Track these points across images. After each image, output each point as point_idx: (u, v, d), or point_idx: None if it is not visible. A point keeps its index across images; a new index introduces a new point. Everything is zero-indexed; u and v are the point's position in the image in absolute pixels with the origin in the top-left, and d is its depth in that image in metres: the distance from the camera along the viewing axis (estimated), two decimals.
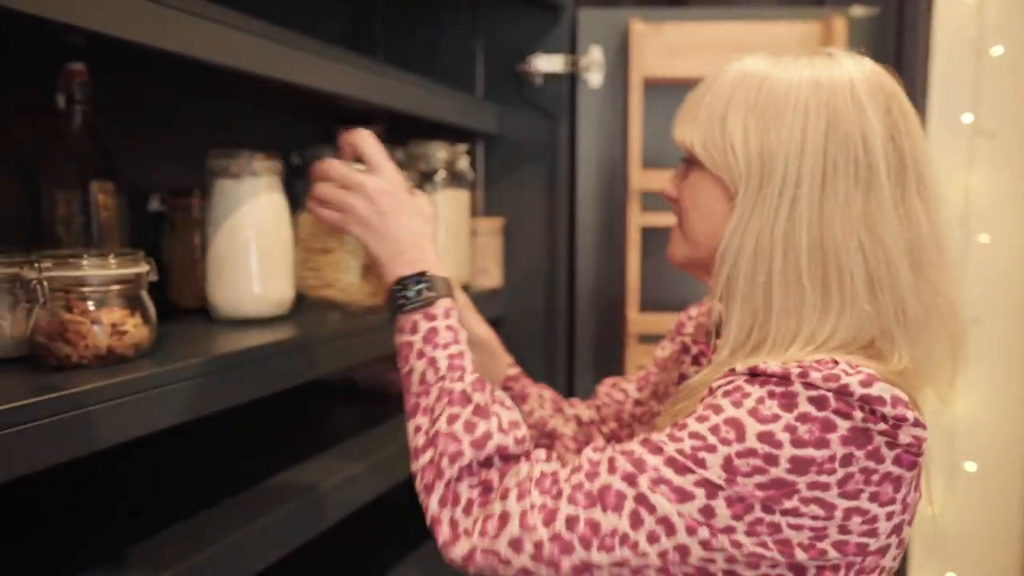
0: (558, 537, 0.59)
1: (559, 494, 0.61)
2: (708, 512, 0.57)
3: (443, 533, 0.63)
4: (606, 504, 0.59)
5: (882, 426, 0.57)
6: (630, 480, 0.59)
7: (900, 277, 0.63)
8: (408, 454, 0.68)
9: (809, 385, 0.58)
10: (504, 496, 0.61)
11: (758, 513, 0.57)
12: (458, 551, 0.62)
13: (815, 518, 0.57)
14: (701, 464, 0.58)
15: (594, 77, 1.34)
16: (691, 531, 0.58)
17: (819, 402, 0.57)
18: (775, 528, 0.57)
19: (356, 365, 1.02)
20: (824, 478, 0.57)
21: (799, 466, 0.56)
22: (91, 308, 0.69)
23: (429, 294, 0.71)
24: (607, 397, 0.97)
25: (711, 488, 0.57)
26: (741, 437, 0.57)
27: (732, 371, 0.63)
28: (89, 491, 0.90)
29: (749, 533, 0.57)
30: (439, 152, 1.26)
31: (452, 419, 0.64)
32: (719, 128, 0.66)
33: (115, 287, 0.71)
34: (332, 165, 0.75)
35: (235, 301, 0.95)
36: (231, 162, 0.94)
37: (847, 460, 0.57)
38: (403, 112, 1.18)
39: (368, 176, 0.74)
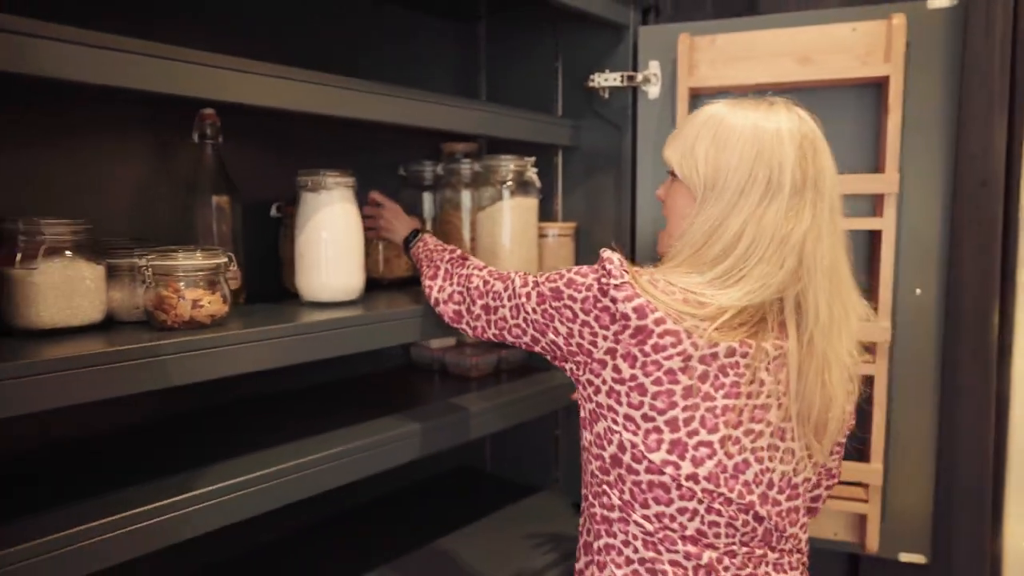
0: (478, 288, 1.07)
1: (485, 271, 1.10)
2: (528, 296, 0.97)
3: (447, 314, 1.12)
4: (501, 278, 1.05)
5: (609, 280, 0.86)
6: (515, 272, 1.04)
7: (758, 251, 0.86)
8: None
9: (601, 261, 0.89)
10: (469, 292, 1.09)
11: (546, 306, 0.94)
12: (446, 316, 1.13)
13: (568, 320, 0.91)
14: (541, 275, 0.98)
15: (652, 89, 1.42)
16: (521, 299, 0.98)
17: (594, 263, 0.90)
18: (550, 317, 0.93)
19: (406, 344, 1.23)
20: (575, 293, 0.90)
21: (568, 283, 0.91)
22: (180, 288, 0.97)
23: (417, 236, 1.27)
24: None
25: (536, 284, 0.97)
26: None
27: None
28: (240, 424, 1.22)
29: (541, 316, 0.95)
30: (509, 165, 1.43)
31: (446, 275, 1.14)
32: (690, 153, 0.92)
33: (198, 273, 0.99)
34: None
35: (312, 288, 1.22)
36: (310, 179, 1.20)
37: (588, 287, 0.88)
38: (495, 137, 1.42)
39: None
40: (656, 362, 0.84)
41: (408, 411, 1.29)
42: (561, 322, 0.92)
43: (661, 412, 0.85)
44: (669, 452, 0.85)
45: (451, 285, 1.13)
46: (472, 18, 1.71)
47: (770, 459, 0.88)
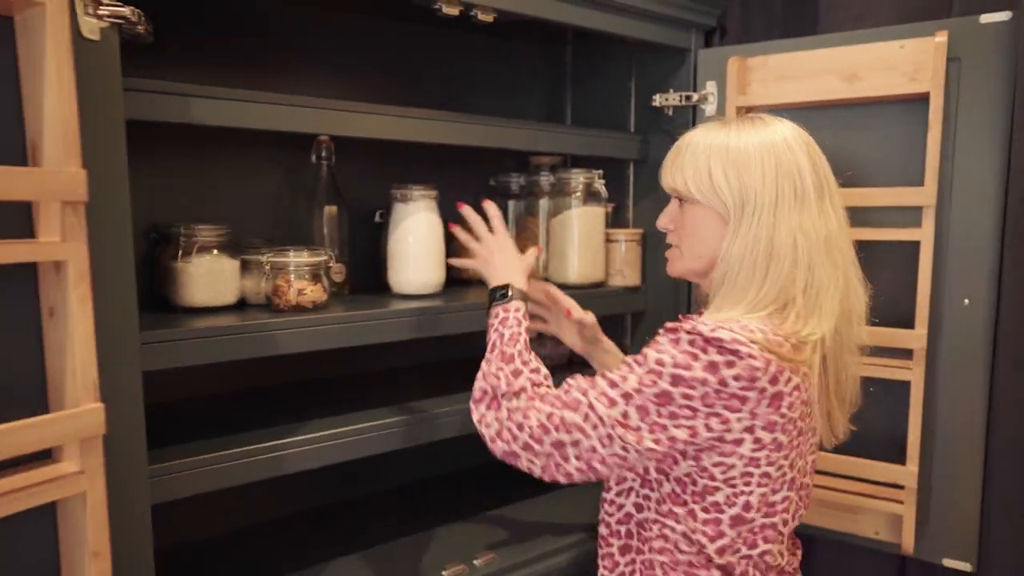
0: (541, 425, 0.96)
1: (546, 402, 0.98)
2: (625, 415, 0.90)
3: (487, 431, 1.04)
4: (569, 406, 0.95)
5: (721, 358, 0.85)
6: (584, 393, 0.95)
7: (814, 257, 0.93)
8: None
9: (687, 332, 0.88)
10: (518, 410, 1.00)
11: (654, 417, 0.88)
12: (487, 437, 1.03)
13: (687, 418, 0.87)
14: (624, 380, 0.91)
15: (709, 107, 1.53)
16: (614, 426, 0.90)
17: (689, 342, 0.88)
18: (663, 428, 0.88)
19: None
20: (689, 390, 0.86)
21: (675, 381, 0.87)
22: (291, 279, 1.25)
23: (506, 298, 1.14)
24: None
25: (627, 397, 0.89)
26: (644, 363, 0.90)
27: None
28: (341, 394, 1.51)
29: (649, 431, 0.89)
30: (579, 177, 1.61)
31: (499, 368, 1.05)
32: (707, 178, 0.96)
33: (304, 268, 1.27)
34: (456, 231, 1.30)
35: (400, 283, 1.47)
36: (400, 191, 1.46)
37: (704, 381, 0.86)
38: (575, 154, 1.63)
39: (485, 232, 1.23)
40: (792, 420, 0.90)
41: None
42: (678, 427, 0.88)
43: (787, 458, 0.93)
44: (789, 488, 0.95)
45: (496, 414, 1.02)
46: (560, 44, 1.89)
47: (810, 452, 1.02)
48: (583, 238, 1.62)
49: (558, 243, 1.65)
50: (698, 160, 0.98)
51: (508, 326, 1.09)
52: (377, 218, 1.63)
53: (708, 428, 0.87)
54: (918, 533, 1.37)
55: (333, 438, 1.25)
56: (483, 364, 1.08)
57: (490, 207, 1.25)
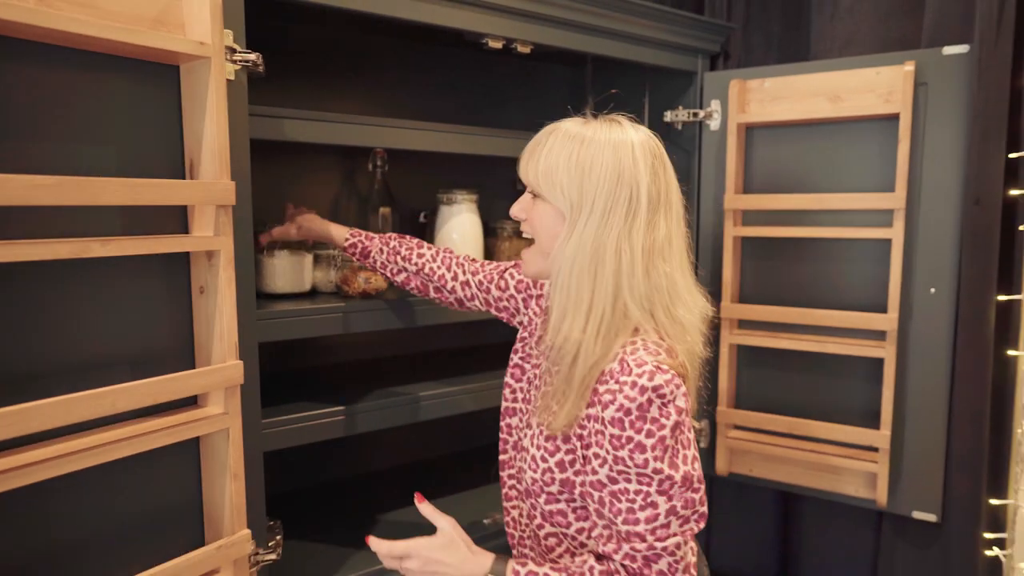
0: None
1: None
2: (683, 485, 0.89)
3: None
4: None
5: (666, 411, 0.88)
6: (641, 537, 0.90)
7: (636, 267, 0.93)
8: None
9: (652, 394, 0.88)
10: None
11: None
12: None
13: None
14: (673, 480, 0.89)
15: (713, 123, 1.76)
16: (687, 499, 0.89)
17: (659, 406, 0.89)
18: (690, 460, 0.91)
19: None
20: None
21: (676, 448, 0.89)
22: (357, 270, 1.49)
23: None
24: (493, 284, 1.26)
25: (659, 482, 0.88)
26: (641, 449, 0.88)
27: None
28: (401, 370, 1.74)
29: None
30: None
31: None
32: (553, 174, 0.94)
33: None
34: (376, 546, 1.01)
35: None
36: (445, 195, 1.69)
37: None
38: None
39: (409, 544, 0.99)
40: None
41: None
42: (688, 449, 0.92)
43: None
44: None
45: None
46: (581, 64, 2.13)
47: None
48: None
49: None
50: (551, 156, 0.96)
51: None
52: (421, 218, 1.87)
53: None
54: (891, 489, 1.59)
55: (394, 405, 1.49)
56: None
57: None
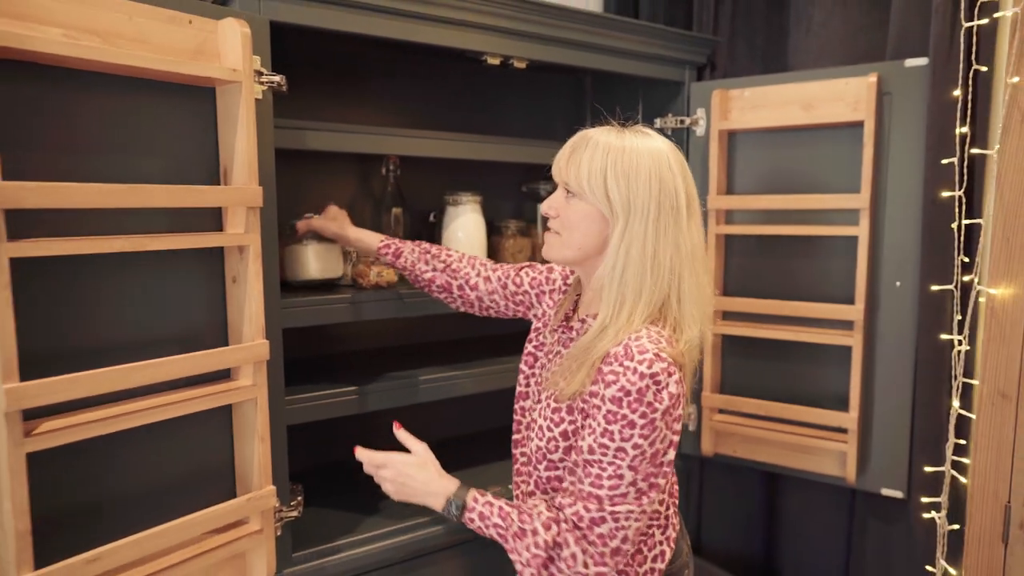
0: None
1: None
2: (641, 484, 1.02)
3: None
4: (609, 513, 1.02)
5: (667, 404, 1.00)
6: (600, 501, 1.02)
7: (684, 269, 1.07)
8: None
9: (650, 381, 0.99)
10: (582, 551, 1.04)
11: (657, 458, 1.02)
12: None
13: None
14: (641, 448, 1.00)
15: (699, 129, 1.91)
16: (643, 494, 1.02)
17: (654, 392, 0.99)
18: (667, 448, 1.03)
19: None
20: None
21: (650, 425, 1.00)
22: (371, 264, 1.66)
23: (459, 507, 1.11)
24: (510, 280, 1.39)
25: (633, 457, 1.00)
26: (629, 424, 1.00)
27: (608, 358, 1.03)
28: (426, 352, 1.91)
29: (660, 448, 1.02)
30: None
31: (526, 546, 1.04)
32: (597, 178, 1.05)
33: None
34: (360, 455, 1.21)
35: None
36: (452, 196, 1.86)
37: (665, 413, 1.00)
38: None
39: (388, 455, 1.18)
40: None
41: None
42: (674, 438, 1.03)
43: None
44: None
45: (570, 566, 1.03)
46: (580, 74, 2.28)
47: None
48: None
49: None
50: (594, 162, 1.05)
51: (490, 518, 1.09)
52: (431, 218, 2.03)
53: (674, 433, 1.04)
54: (860, 469, 1.72)
55: (406, 386, 1.65)
56: (514, 555, 1.07)
57: (401, 435, 1.25)
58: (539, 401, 1.19)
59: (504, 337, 2.17)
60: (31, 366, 0.95)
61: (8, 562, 0.94)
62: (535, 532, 1.04)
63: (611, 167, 1.04)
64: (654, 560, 1.16)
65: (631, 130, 1.10)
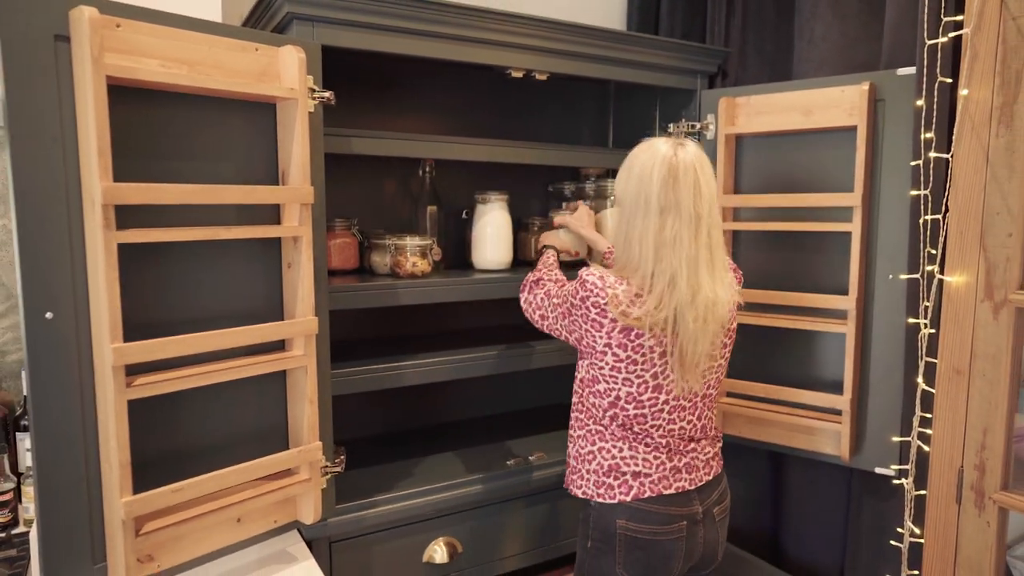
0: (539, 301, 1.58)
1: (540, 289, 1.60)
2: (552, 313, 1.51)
3: (522, 297, 1.65)
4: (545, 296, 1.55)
5: (583, 292, 1.38)
6: (547, 294, 1.55)
7: (647, 247, 1.35)
8: None
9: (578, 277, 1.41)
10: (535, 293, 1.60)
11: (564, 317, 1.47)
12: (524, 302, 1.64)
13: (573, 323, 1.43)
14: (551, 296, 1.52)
15: (709, 134, 2.06)
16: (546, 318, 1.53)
17: (578, 282, 1.40)
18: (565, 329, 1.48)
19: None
20: (574, 310, 1.41)
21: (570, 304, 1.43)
22: (407, 256, 1.87)
23: (544, 253, 1.77)
24: None
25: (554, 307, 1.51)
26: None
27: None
28: (462, 333, 2.12)
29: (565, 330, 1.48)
30: (611, 186, 2.17)
31: (536, 272, 1.67)
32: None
33: (416, 248, 1.88)
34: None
35: (480, 261, 2.07)
36: (481, 195, 2.05)
37: (578, 305, 1.39)
38: (613, 167, 2.17)
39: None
40: (644, 350, 1.37)
41: (551, 340, 2.09)
42: (570, 332, 1.48)
43: (646, 372, 1.39)
44: (655, 392, 1.42)
45: (528, 294, 1.63)
46: (604, 84, 2.45)
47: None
48: (615, 229, 2.17)
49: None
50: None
51: (543, 263, 1.72)
52: (464, 215, 2.23)
53: (582, 339, 1.42)
54: (855, 449, 1.86)
55: (436, 364, 1.86)
56: (532, 272, 1.69)
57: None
58: None
59: (526, 326, 2.36)
60: (131, 331, 1.19)
61: (112, 488, 1.18)
62: (538, 279, 1.65)
63: (622, 166, 1.45)
64: (620, 488, 1.43)
65: (671, 139, 1.42)
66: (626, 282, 1.37)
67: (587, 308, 1.38)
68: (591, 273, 1.38)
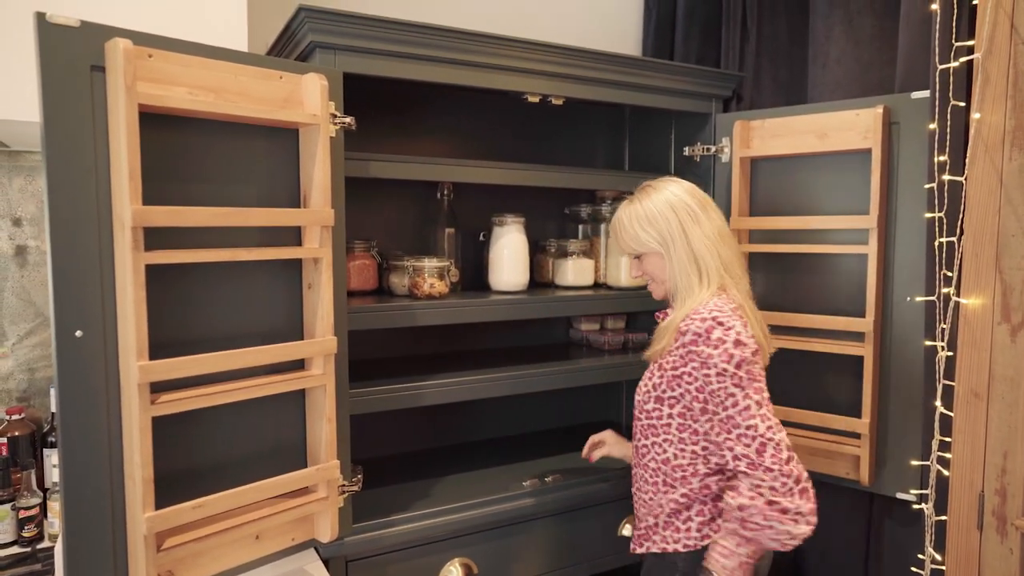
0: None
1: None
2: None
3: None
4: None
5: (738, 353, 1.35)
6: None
7: (719, 245, 1.45)
8: None
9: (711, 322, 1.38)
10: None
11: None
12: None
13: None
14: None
15: (724, 157, 2.08)
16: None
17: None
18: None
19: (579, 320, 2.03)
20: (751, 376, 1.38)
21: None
22: (425, 277, 1.90)
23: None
24: None
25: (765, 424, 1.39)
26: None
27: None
28: (485, 352, 2.14)
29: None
30: (607, 209, 2.19)
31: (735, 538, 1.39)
32: (637, 238, 1.50)
33: (434, 269, 1.91)
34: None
35: (497, 283, 2.09)
36: (498, 218, 2.08)
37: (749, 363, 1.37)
38: (628, 191, 2.19)
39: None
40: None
41: (566, 361, 2.10)
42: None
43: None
44: None
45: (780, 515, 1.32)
46: (620, 108, 2.49)
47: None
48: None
49: (613, 256, 2.23)
50: (628, 231, 1.52)
51: (733, 556, 1.39)
52: (481, 238, 2.27)
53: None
54: (876, 474, 1.84)
55: (453, 384, 1.87)
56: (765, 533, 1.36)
57: None
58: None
59: (541, 348, 2.37)
60: (156, 349, 1.22)
61: (135, 503, 1.20)
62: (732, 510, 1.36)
63: (637, 225, 1.50)
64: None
65: (639, 192, 1.53)
66: (713, 301, 1.39)
67: (753, 360, 1.37)
68: (705, 317, 1.36)
